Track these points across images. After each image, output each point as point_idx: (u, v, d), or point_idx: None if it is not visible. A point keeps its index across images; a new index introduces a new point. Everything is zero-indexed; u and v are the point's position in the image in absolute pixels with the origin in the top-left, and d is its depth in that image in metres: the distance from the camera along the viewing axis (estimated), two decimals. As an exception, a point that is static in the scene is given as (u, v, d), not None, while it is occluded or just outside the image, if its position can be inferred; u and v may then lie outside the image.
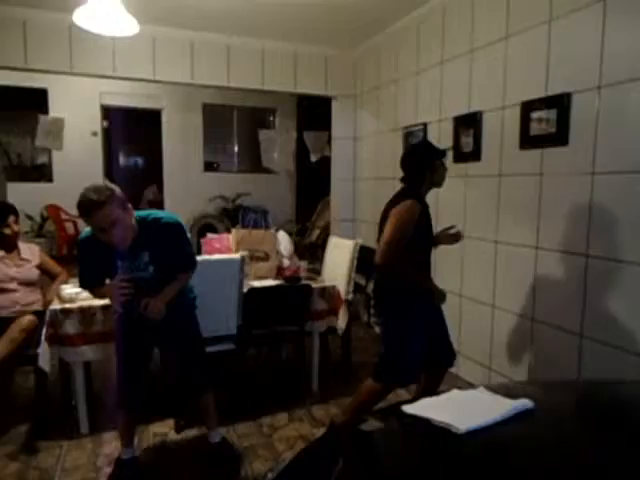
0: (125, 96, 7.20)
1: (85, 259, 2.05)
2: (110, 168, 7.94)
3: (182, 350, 2.26)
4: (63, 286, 2.72)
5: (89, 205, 1.78)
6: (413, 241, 2.15)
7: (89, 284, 2.10)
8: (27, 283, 2.84)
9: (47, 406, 2.67)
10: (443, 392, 1.19)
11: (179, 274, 2.12)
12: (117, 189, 1.91)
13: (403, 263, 2.15)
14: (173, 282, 2.09)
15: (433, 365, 2.44)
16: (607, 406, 1.24)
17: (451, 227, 2.55)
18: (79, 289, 2.64)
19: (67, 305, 2.47)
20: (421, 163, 2.28)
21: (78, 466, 2.30)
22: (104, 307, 2.48)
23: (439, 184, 2.36)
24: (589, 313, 2.45)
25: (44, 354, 2.38)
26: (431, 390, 2.42)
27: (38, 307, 2.81)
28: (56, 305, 2.48)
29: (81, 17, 2.52)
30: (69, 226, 6.99)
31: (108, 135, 7.80)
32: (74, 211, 6.96)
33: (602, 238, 2.37)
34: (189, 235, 2.24)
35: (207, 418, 2.37)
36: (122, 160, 8.87)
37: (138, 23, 2.68)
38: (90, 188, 1.82)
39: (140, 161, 9.03)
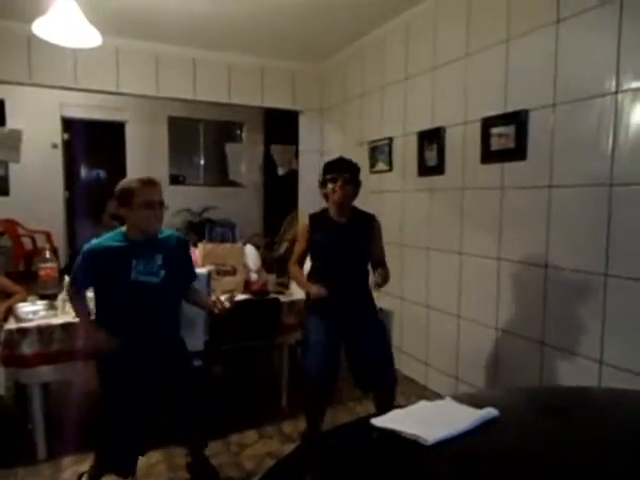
0: (87, 108, 7.03)
1: (87, 267, 1.99)
2: (71, 181, 7.70)
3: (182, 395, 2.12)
4: (20, 304, 2.61)
5: (155, 180, 2.03)
6: (311, 253, 2.51)
7: (81, 290, 2.08)
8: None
9: (1, 431, 2.54)
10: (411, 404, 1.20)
11: (192, 287, 2.28)
12: None
13: (294, 269, 2.52)
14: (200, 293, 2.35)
15: (367, 387, 2.52)
16: (567, 411, 1.28)
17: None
18: (37, 307, 2.55)
19: (23, 324, 2.37)
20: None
21: (35, 494, 2.19)
22: (63, 325, 2.39)
23: (332, 201, 2.40)
24: (549, 321, 2.53)
25: (-2, 376, 2.26)
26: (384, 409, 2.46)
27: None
28: (12, 325, 2.37)
29: (41, 28, 2.46)
30: (27, 241, 6.72)
31: (69, 147, 7.58)
32: (32, 225, 6.64)
33: (559, 249, 2.46)
34: None
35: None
36: (84, 173, 8.64)
37: (101, 34, 2.63)
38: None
39: (103, 174, 8.82)
